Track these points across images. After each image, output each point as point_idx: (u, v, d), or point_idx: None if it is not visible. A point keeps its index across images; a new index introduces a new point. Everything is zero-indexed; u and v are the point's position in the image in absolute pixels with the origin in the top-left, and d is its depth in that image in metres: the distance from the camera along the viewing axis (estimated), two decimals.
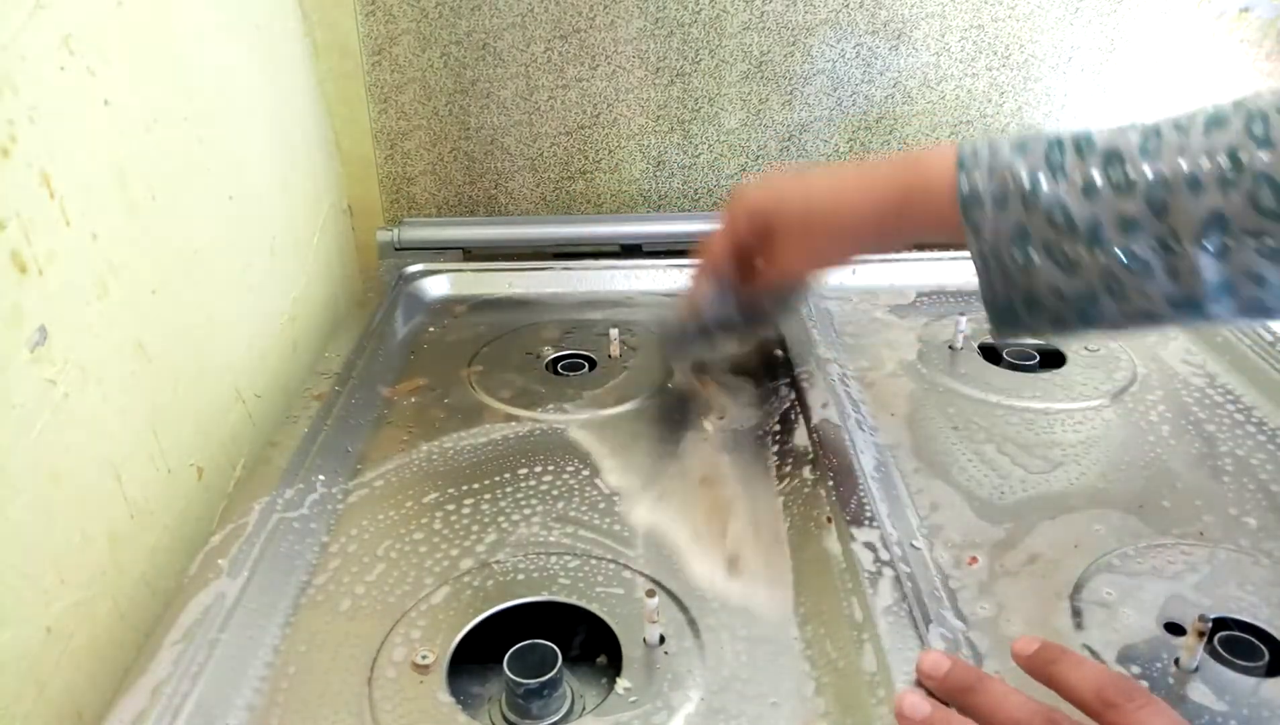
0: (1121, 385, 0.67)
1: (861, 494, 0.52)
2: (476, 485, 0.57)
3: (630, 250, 0.84)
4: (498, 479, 0.57)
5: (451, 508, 0.55)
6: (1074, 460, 0.59)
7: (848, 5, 0.79)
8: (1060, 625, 0.47)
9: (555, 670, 0.42)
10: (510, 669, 0.42)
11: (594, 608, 0.47)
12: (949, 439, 0.61)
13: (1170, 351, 0.71)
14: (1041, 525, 0.53)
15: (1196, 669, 0.44)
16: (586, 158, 0.85)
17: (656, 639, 0.45)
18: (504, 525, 0.53)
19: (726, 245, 0.57)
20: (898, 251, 0.79)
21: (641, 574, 0.50)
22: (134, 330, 0.49)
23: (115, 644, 0.47)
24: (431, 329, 0.76)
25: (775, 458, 0.59)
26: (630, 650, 0.45)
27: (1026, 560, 0.51)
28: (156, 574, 0.51)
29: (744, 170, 0.86)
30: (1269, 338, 0.68)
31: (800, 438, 0.59)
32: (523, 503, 0.55)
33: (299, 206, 0.74)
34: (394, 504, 0.55)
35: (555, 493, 0.56)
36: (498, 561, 0.51)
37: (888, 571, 0.46)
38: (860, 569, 0.47)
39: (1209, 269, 0.44)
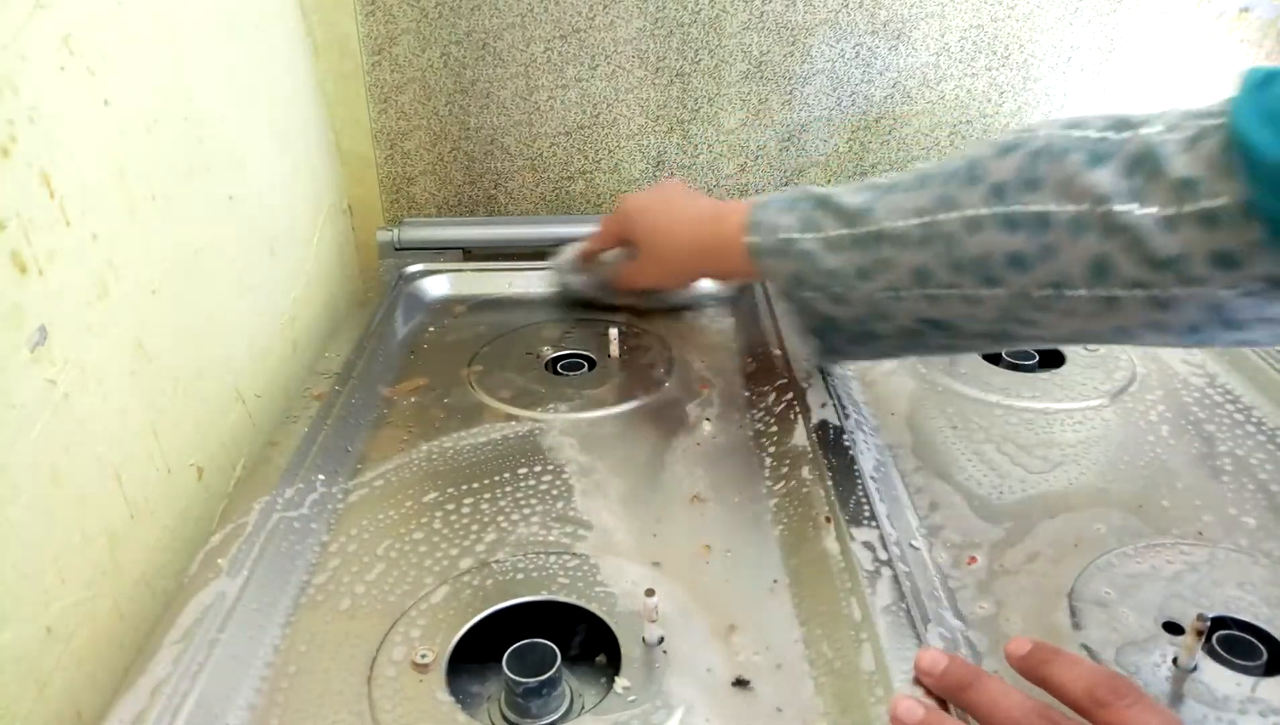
0: (1121, 385, 0.67)
1: (860, 493, 0.52)
2: (476, 485, 0.57)
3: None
4: (497, 479, 0.57)
5: (451, 507, 0.55)
6: (1073, 460, 0.59)
7: (847, 5, 0.79)
8: (1059, 624, 0.47)
9: (554, 669, 0.42)
10: (509, 668, 0.42)
11: (593, 607, 0.47)
12: (948, 439, 0.61)
13: (1170, 351, 0.71)
14: (1041, 525, 0.53)
15: (1195, 668, 0.44)
16: (586, 158, 0.85)
17: (655, 638, 0.45)
18: (503, 525, 0.53)
19: (598, 240, 0.72)
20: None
21: (640, 573, 0.50)
22: (134, 330, 0.49)
23: (115, 644, 0.47)
24: (431, 329, 0.76)
25: (773, 457, 0.59)
26: (629, 650, 0.45)
27: (1026, 560, 0.51)
28: (156, 574, 0.51)
29: (743, 170, 0.86)
30: None
31: (799, 437, 0.59)
32: (522, 502, 0.55)
33: (299, 206, 0.74)
34: (394, 504, 0.55)
35: (555, 492, 0.56)
36: (497, 561, 0.51)
37: (886, 571, 0.46)
38: (859, 569, 0.47)
39: (931, 310, 0.51)
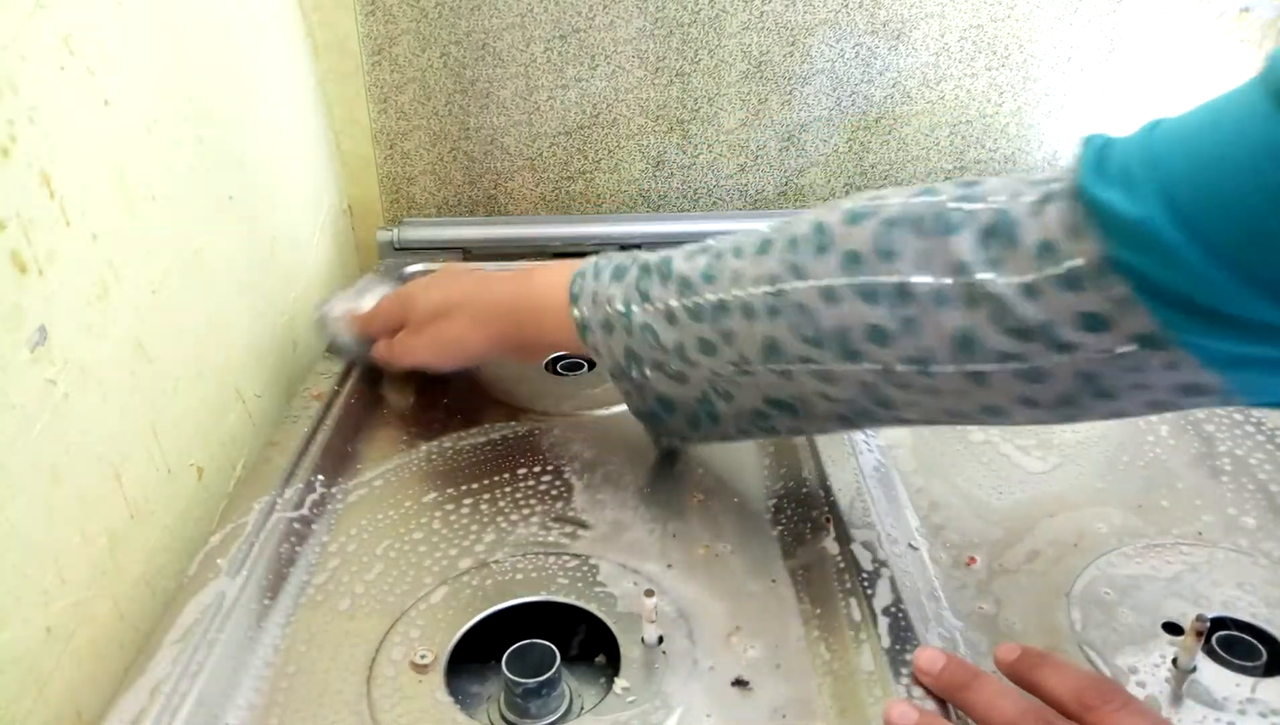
0: None
1: (860, 493, 0.52)
2: (476, 485, 0.57)
3: (630, 250, 0.84)
4: (497, 479, 0.57)
5: (450, 508, 0.55)
6: (1073, 460, 0.59)
7: (847, 5, 0.79)
8: (1059, 625, 0.47)
9: (554, 670, 0.42)
10: (509, 668, 0.42)
11: (592, 607, 0.47)
12: (948, 439, 0.61)
13: None
14: (1040, 525, 0.53)
15: (1194, 669, 0.44)
16: (586, 158, 0.85)
17: (655, 639, 0.45)
18: (503, 525, 0.53)
19: (376, 321, 0.63)
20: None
21: (640, 574, 0.50)
22: (134, 330, 0.49)
23: (115, 644, 0.47)
24: None
25: (773, 457, 0.59)
26: (629, 650, 0.45)
27: (1025, 560, 0.51)
28: (156, 574, 0.51)
29: (743, 170, 0.86)
30: None
31: (799, 437, 0.59)
32: (522, 503, 0.55)
33: (299, 206, 0.74)
34: (393, 504, 0.56)
35: (554, 492, 0.56)
36: (496, 561, 0.51)
37: (886, 571, 0.46)
38: (859, 569, 0.47)
39: (781, 387, 0.47)
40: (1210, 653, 0.45)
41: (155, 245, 0.51)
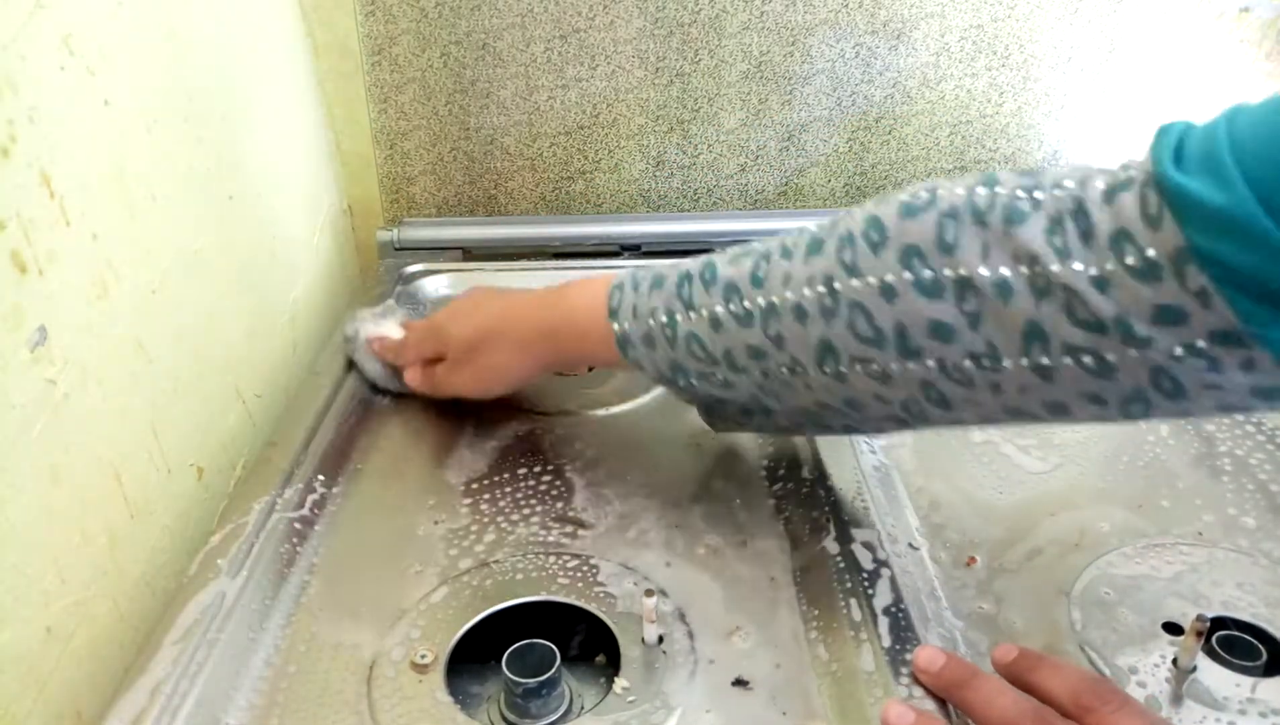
0: None
1: (860, 493, 0.52)
2: (476, 485, 0.57)
3: (630, 250, 0.84)
4: (497, 479, 0.57)
5: (451, 507, 0.55)
6: (1073, 460, 0.59)
7: (847, 5, 0.79)
8: (1059, 625, 0.47)
9: (554, 670, 0.42)
10: (509, 668, 0.42)
11: (592, 607, 0.47)
12: (948, 438, 0.61)
13: None
14: (1040, 525, 0.53)
15: (1194, 669, 0.44)
16: (586, 158, 0.85)
17: (655, 639, 0.45)
18: (503, 525, 0.53)
19: (404, 354, 0.63)
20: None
21: (640, 574, 0.50)
22: (134, 330, 0.49)
23: (115, 644, 0.47)
24: None
25: (773, 457, 0.59)
26: (629, 650, 0.45)
27: (1025, 560, 0.51)
28: (156, 574, 0.51)
29: (743, 170, 0.86)
30: None
31: (799, 437, 0.59)
32: (522, 503, 0.55)
33: (299, 206, 0.74)
34: (394, 504, 0.55)
35: (555, 492, 0.56)
36: (496, 561, 0.51)
37: (886, 571, 0.47)
38: (859, 568, 0.47)
39: (834, 390, 0.45)
40: (1210, 653, 0.45)
41: (155, 245, 0.51)
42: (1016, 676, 0.40)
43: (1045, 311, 0.38)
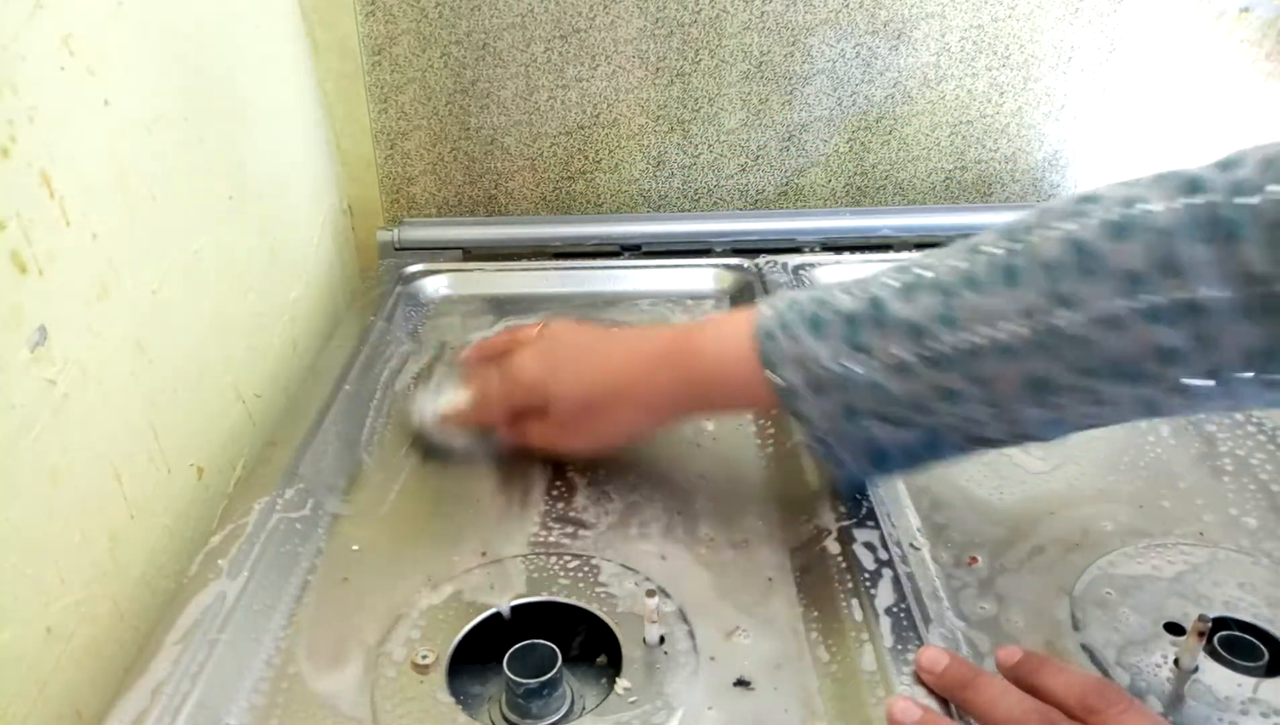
0: None
1: (861, 493, 0.52)
2: (476, 485, 0.57)
3: (630, 250, 0.84)
4: (498, 479, 0.57)
5: (451, 507, 0.55)
6: (1074, 460, 0.59)
7: (848, 5, 0.79)
8: (1060, 625, 0.47)
9: (555, 670, 0.42)
10: (510, 669, 0.42)
11: (594, 608, 0.47)
12: None
13: None
14: (1041, 525, 0.53)
15: (1196, 669, 0.44)
16: (586, 158, 0.85)
17: (656, 639, 0.45)
18: (504, 525, 0.53)
19: (480, 415, 0.57)
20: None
21: (641, 574, 0.50)
22: (134, 330, 0.49)
23: (115, 644, 0.47)
24: (431, 329, 0.76)
25: (773, 457, 0.59)
26: (630, 650, 0.45)
27: (1026, 559, 0.51)
28: (156, 574, 0.51)
29: (744, 170, 0.86)
30: None
31: (799, 437, 0.59)
32: (523, 502, 0.55)
33: (299, 206, 0.74)
34: (394, 504, 0.55)
35: (555, 492, 0.56)
36: (497, 561, 0.51)
37: (887, 571, 0.46)
38: (860, 568, 0.47)
39: (1042, 422, 0.44)
40: (1212, 653, 0.45)
41: (155, 245, 0.51)
42: (1020, 678, 0.40)
43: (1275, 328, 0.37)
